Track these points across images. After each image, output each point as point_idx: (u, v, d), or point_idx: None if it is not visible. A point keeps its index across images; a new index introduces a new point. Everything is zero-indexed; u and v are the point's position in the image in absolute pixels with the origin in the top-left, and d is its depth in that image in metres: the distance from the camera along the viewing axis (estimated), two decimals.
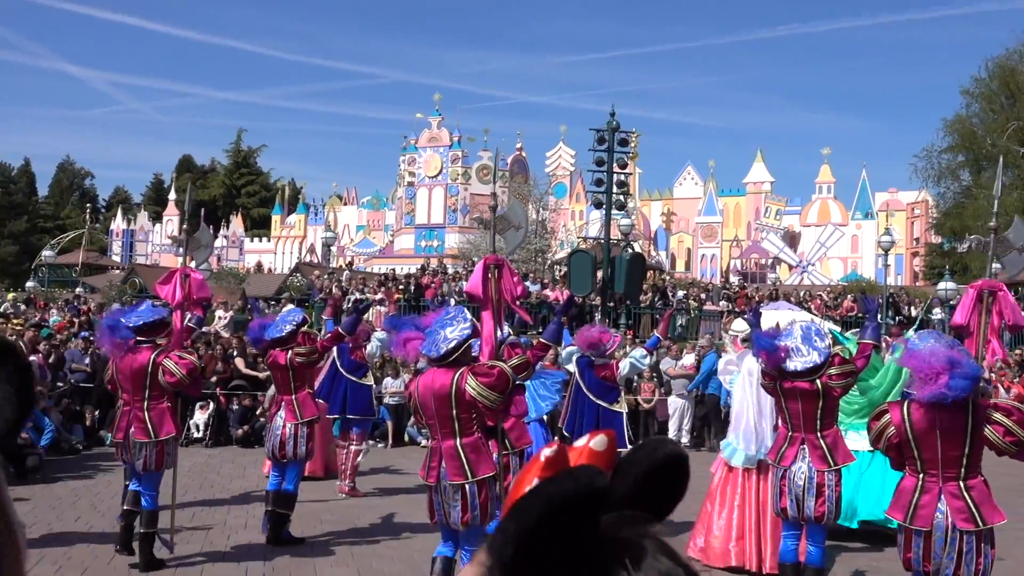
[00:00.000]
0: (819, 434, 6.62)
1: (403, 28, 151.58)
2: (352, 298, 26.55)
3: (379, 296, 26.61)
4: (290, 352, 8.87)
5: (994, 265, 7.15)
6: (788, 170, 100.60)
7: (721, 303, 28.18)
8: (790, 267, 57.50)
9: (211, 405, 16.03)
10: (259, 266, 62.27)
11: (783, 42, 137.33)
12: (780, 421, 6.97)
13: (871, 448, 8.01)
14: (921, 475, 5.46)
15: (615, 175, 24.28)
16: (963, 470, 5.37)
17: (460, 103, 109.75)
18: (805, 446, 6.61)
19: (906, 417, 5.46)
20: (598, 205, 25.02)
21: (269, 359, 9.26)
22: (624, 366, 9.77)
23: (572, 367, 9.86)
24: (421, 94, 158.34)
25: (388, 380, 16.98)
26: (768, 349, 6.68)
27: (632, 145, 25.40)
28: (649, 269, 29.71)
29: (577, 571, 0.80)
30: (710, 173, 63.65)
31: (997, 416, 5.33)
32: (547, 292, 27.58)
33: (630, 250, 25.83)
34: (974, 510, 5.33)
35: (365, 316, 25.61)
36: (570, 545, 0.80)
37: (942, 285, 27.63)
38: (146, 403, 7.62)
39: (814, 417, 6.63)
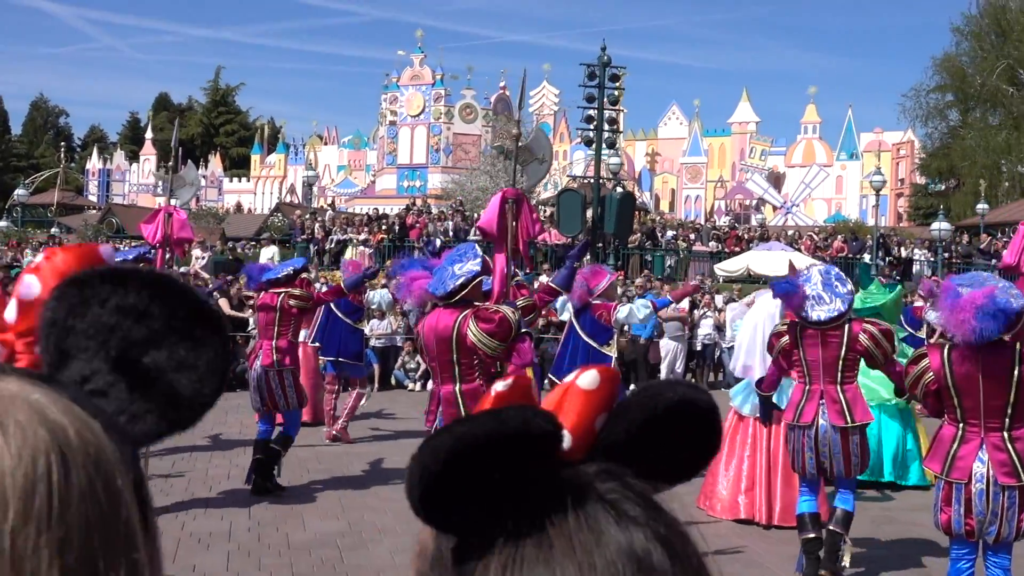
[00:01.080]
0: (839, 387, 6.14)
1: None
2: (335, 238, 26.02)
3: (362, 236, 26.07)
4: (283, 295, 8.49)
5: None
6: (774, 110, 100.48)
7: (710, 243, 27.78)
8: (774, 208, 57.10)
9: None
10: (239, 206, 61.30)
11: None
12: (795, 374, 6.46)
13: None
14: (961, 424, 5.05)
15: (605, 112, 23.67)
16: (1007, 420, 4.96)
17: (443, 42, 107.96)
18: (824, 400, 6.13)
19: (946, 362, 5.02)
20: (588, 143, 24.45)
21: (259, 301, 8.87)
22: (623, 311, 9.20)
23: (567, 315, 9.38)
24: (402, 32, 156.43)
25: (374, 322, 16.51)
26: (788, 292, 6.21)
27: (621, 82, 24.72)
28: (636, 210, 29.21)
29: (506, 518, 0.70)
30: (695, 113, 62.96)
31: None
32: None
33: (620, 189, 25.30)
34: (1018, 464, 4.92)
35: (349, 255, 25.17)
36: (497, 492, 0.70)
37: (935, 225, 27.20)
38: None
39: (836, 368, 6.15)
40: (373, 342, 16.28)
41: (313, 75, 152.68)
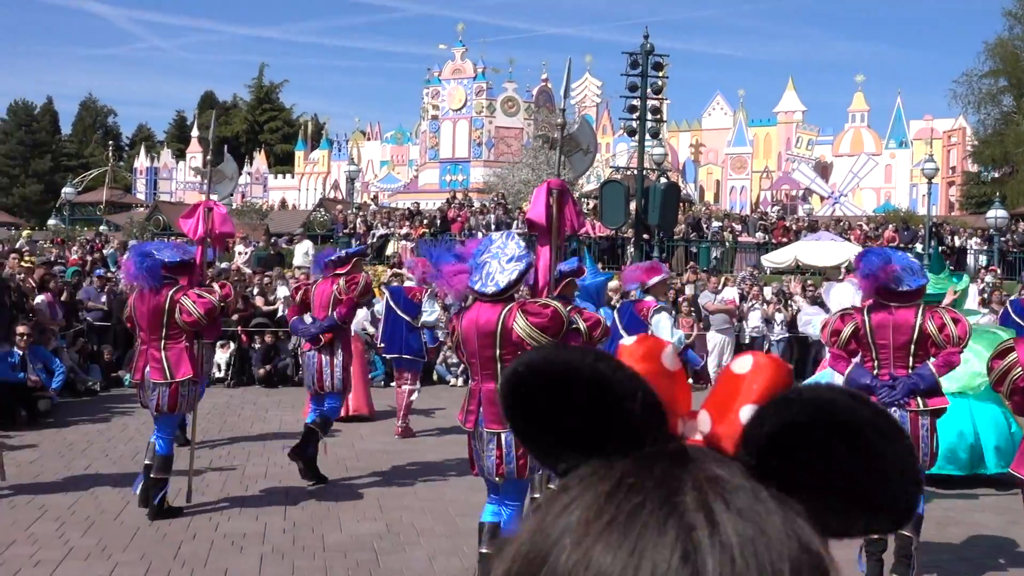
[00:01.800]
0: (910, 372, 5.79)
1: None
2: (377, 233, 25.88)
3: (404, 231, 25.91)
4: (341, 280, 8.55)
5: None
6: (820, 99, 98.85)
7: (757, 235, 27.26)
8: (821, 198, 56.17)
9: (232, 344, 15.42)
10: (283, 203, 61.61)
11: None
12: (864, 359, 6.10)
13: None
14: None
15: (648, 101, 23.24)
16: None
17: (484, 35, 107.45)
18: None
19: None
20: (631, 133, 24.07)
21: (317, 285, 8.86)
22: (656, 320, 9.00)
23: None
24: (444, 27, 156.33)
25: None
26: (877, 268, 5.82)
27: (664, 71, 24.26)
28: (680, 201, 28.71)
29: (577, 453, 0.71)
30: (740, 103, 62.16)
31: None
32: None
33: (664, 180, 24.86)
34: None
35: (391, 250, 24.99)
36: (574, 425, 0.71)
37: (991, 213, 26.37)
38: (163, 342, 7.31)
39: (907, 352, 5.79)
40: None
41: (355, 71, 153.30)
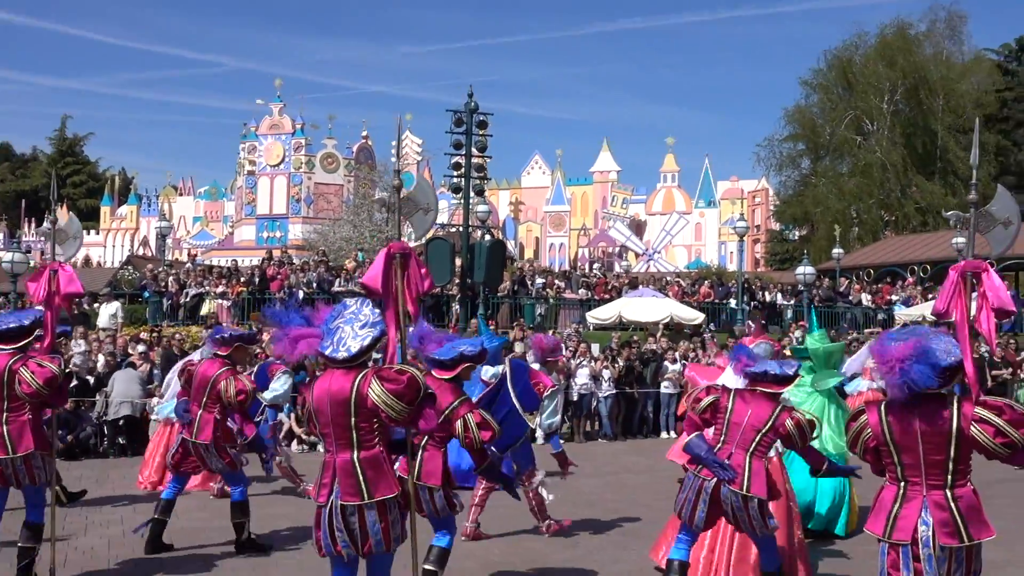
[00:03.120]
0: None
1: (242, 14, 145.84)
2: (190, 292, 24.64)
3: (220, 289, 24.78)
4: (231, 388, 8.37)
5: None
6: (634, 160, 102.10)
7: (580, 291, 27.51)
8: (637, 255, 57.90)
9: None
10: (87, 260, 58.45)
11: (627, 35, 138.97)
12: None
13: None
14: (902, 483, 4.79)
15: (472, 159, 23.19)
16: (949, 477, 4.68)
17: (303, 91, 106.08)
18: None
19: (883, 417, 4.80)
20: (455, 190, 23.89)
21: (200, 367, 8.78)
22: (552, 407, 9.67)
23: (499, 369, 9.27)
24: (261, 82, 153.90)
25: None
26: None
27: (487, 128, 24.29)
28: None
29: None
30: (558, 162, 63.61)
31: (985, 414, 4.63)
32: None
33: (489, 237, 24.78)
34: (960, 523, 4.65)
35: (206, 309, 23.83)
36: None
37: (800, 270, 27.56)
38: (4, 415, 6.94)
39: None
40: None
41: (167, 125, 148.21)
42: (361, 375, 5.11)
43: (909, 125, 49.34)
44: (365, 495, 5.06)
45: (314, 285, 24.73)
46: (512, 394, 8.68)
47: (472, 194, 23.71)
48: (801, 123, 51.76)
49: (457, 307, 23.50)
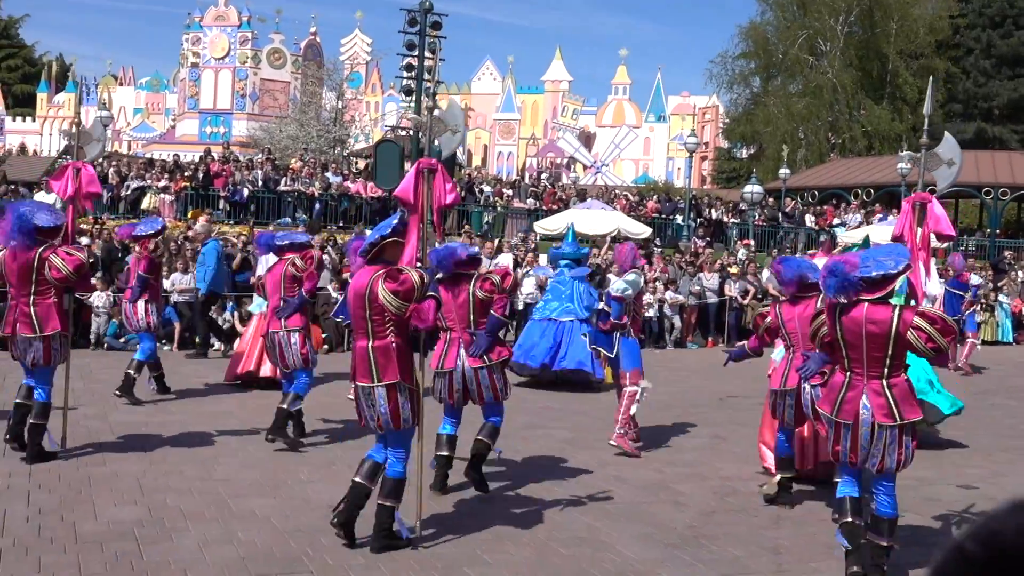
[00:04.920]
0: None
1: None
2: (131, 185, 24.08)
3: (162, 184, 24.26)
4: (297, 259, 9.06)
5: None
6: (586, 71, 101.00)
7: (528, 200, 27.43)
8: (585, 167, 57.75)
9: None
10: (23, 148, 56.77)
11: None
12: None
13: None
14: (848, 373, 5.72)
15: (425, 60, 22.77)
16: (886, 369, 5.60)
17: None
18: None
19: (837, 318, 5.71)
20: (408, 92, 23.54)
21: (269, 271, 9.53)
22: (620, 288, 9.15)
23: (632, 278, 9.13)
24: None
25: (176, 275, 15.21)
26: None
27: (441, 30, 23.82)
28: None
29: None
30: (509, 69, 62.84)
31: (921, 323, 5.52)
32: (348, 184, 25.93)
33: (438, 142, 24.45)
34: (894, 407, 5.56)
35: (147, 203, 23.37)
36: None
37: (748, 188, 27.67)
38: (32, 298, 7.64)
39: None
40: (175, 297, 15.03)
41: (107, 11, 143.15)
42: (376, 274, 5.83)
43: (861, 48, 49.34)
44: (375, 378, 5.87)
45: (260, 183, 24.32)
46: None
47: (424, 96, 23.35)
48: (755, 40, 51.44)
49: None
